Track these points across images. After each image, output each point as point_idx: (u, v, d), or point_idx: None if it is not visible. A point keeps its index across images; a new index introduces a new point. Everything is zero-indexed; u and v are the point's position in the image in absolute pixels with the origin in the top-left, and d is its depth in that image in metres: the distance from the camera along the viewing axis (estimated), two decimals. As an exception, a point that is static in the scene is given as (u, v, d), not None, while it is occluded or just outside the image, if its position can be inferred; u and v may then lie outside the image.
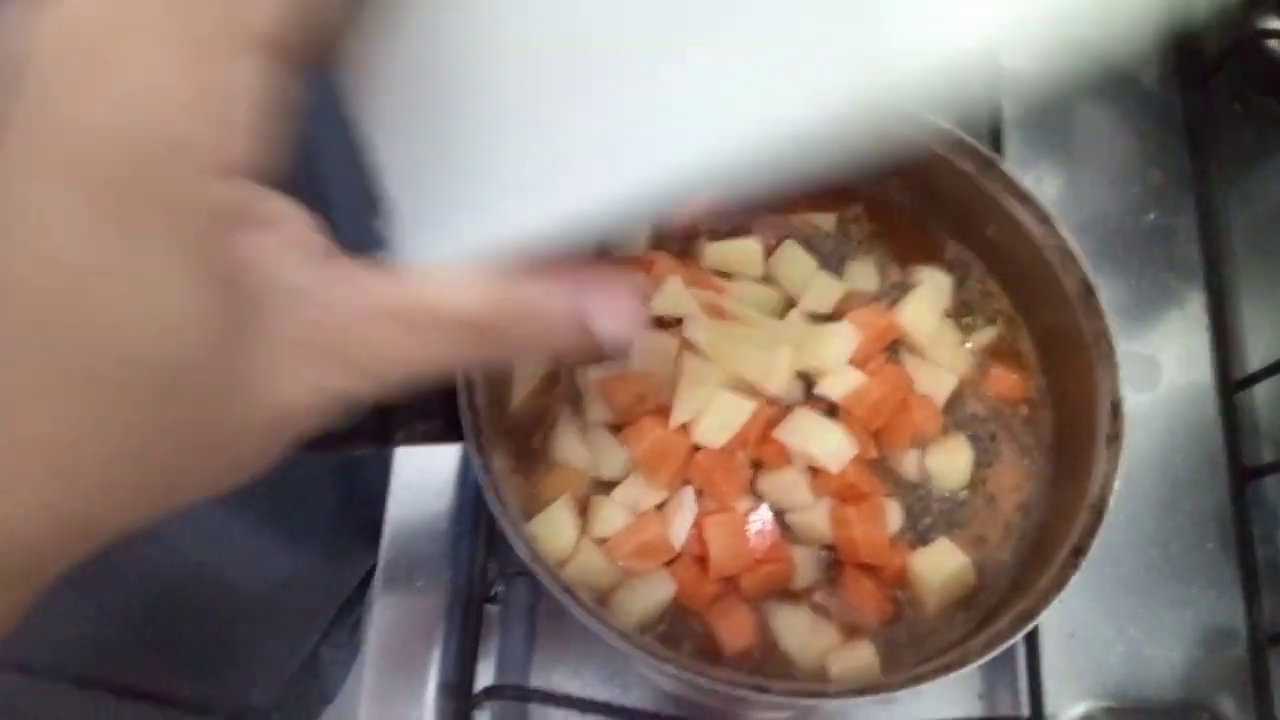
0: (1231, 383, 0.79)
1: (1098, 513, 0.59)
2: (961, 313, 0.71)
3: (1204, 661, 0.74)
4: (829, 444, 0.63)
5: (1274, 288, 0.83)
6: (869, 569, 0.63)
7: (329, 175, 0.74)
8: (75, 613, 0.82)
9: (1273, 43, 0.88)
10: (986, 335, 0.70)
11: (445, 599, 0.71)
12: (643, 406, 0.64)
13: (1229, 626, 0.74)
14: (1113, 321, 0.80)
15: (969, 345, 0.70)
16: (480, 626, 0.69)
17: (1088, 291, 0.63)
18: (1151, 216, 0.85)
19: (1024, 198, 0.65)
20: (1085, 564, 0.74)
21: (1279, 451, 0.79)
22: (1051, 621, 0.73)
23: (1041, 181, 0.86)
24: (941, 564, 0.63)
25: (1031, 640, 0.70)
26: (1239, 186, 0.87)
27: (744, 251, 0.70)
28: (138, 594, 0.96)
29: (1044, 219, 0.64)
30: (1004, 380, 0.69)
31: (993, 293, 0.72)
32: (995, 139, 0.82)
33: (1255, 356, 0.81)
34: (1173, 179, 0.86)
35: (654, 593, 0.61)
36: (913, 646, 0.63)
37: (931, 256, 0.72)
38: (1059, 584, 0.57)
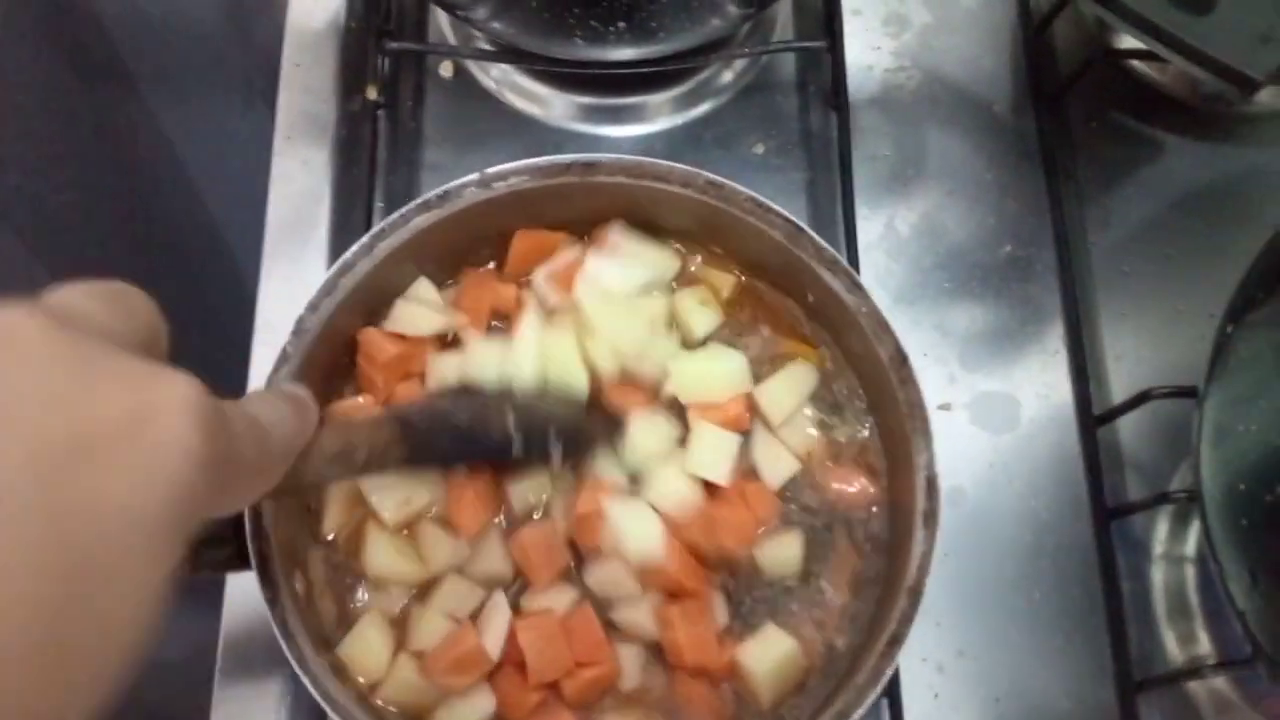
0: (1092, 418, 0.77)
1: (914, 596, 0.57)
2: (828, 410, 0.69)
3: (1074, 712, 0.72)
4: (646, 537, 0.61)
5: (1135, 313, 0.81)
6: (698, 670, 0.61)
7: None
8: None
9: (1131, 61, 0.86)
10: (843, 434, 0.68)
11: None
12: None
13: (1097, 674, 0.72)
14: (971, 361, 0.79)
15: (817, 434, 0.68)
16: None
17: (901, 360, 0.61)
18: (1008, 248, 0.83)
19: (832, 265, 0.62)
20: (948, 620, 0.73)
21: (1144, 485, 0.77)
22: (915, 683, 0.71)
23: (895, 220, 0.83)
24: (768, 651, 0.61)
25: (894, 705, 0.68)
26: (1097, 209, 0.84)
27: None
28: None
29: (854, 286, 0.62)
30: (847, 480, 0.67)
31: (856, 394, 0.69)
32: (845, 174, 0.80)
33: (1119, 387, 0.79)
34: (1028, 207, 0.84)
35: (473, 710, 0.59)
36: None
37: (792, 331, 0.70)
38: (875, 678, 0.55)
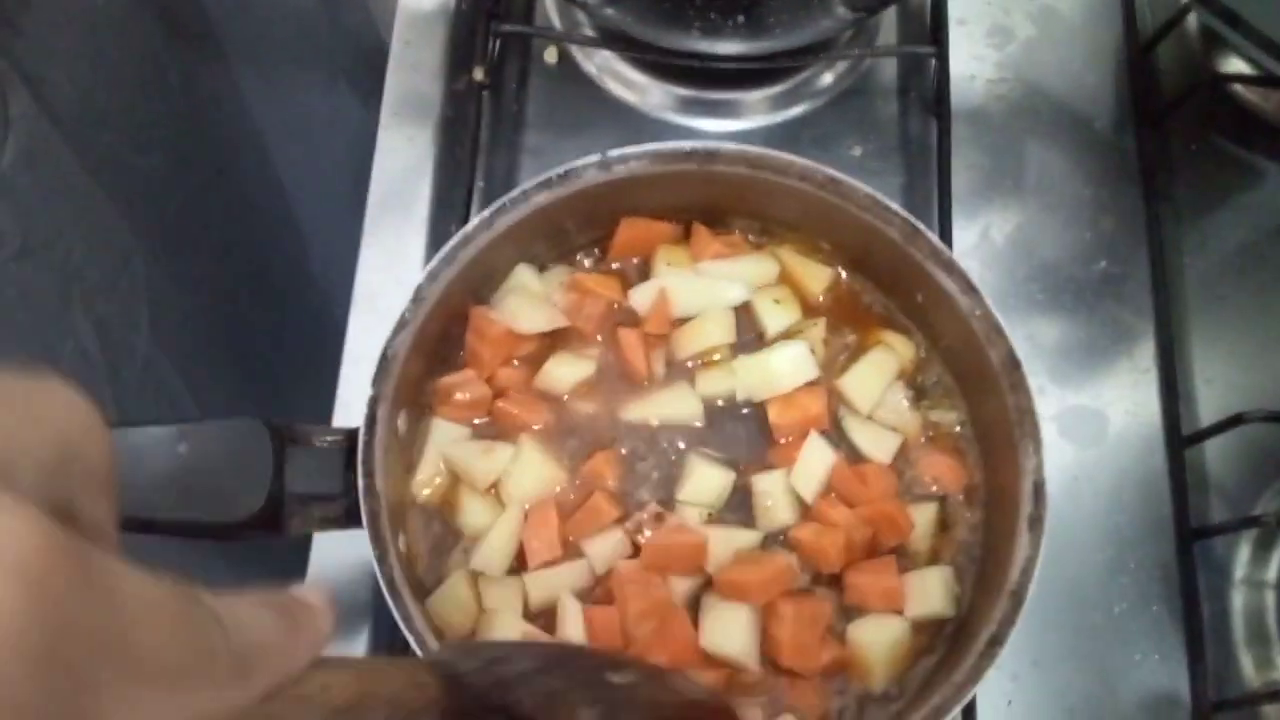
0: (1181, 438, 0.77)
1: (1017, 600, 0.57)
2: (916, 396, 0.69)
3: (1147, 729, 0.72)
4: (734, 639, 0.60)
5: (1228, 337, 0.81)
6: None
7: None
8: None
9: (1235, 86, 0.86)
10: (936, 415, 0.69)
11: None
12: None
13: (1172, 693, 0.73)
14: (1060, 374, 0.79)
15: (910, 410, 0.68)
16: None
17: (1013, 365, 0.62)
18: (1102, 264, 0.83)
19: (949, 266, 0.63)
20: (1025, 628, 0.72)
21: (1228, 508, 0.77)
22: (989, 688, 0.72)
23: (990, 229, 0.84)
24: (882, 633, 0.62)
25: (969, 709, 0.68)
26: (1194, 231, 0.84)
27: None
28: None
29: (968, 289, 0.63)
30: (943, 459, 0.67)
31: (946, 385, 0.69)
32: (943, 181, 0.81)
33: (1207, 410, 0.79)
34: (1125, 225, 0.84)
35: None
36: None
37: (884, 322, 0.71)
38: (974, 677, 0.56)
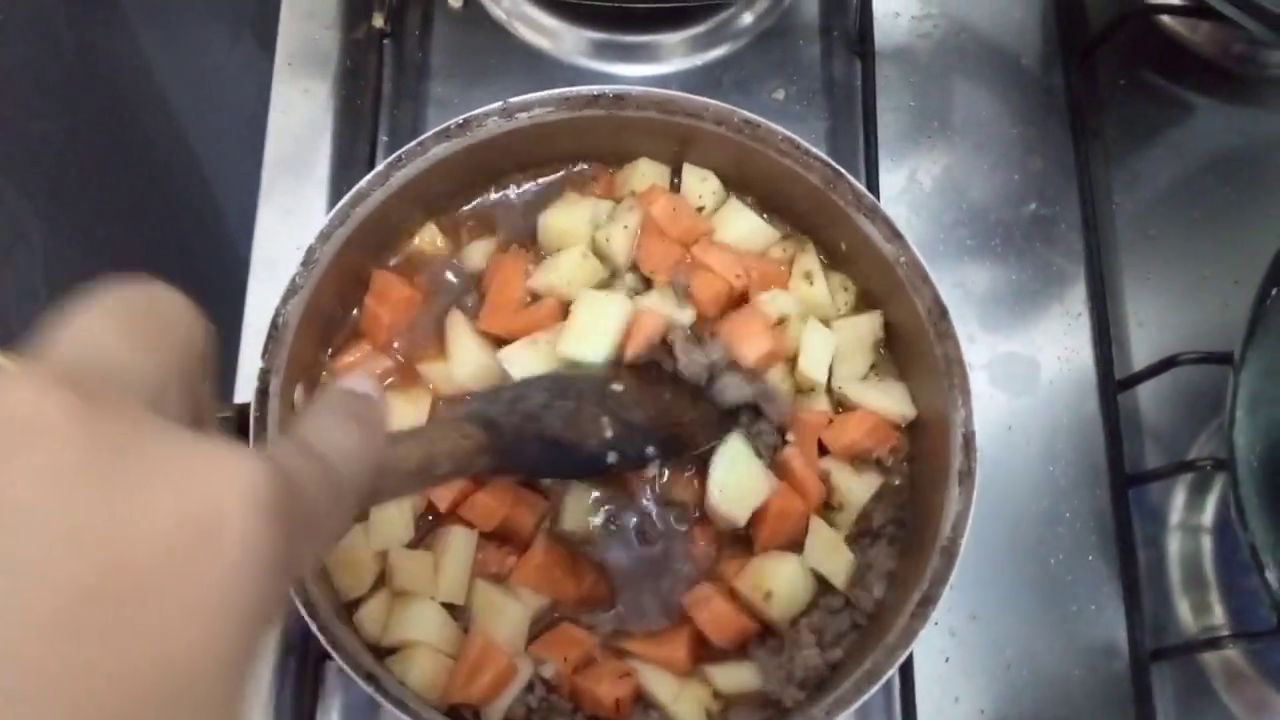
0: (1114, 383, 0.75)
1: (950, 556, 0.55)
2: None
3: (1085, 679, 0.71)
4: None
5: (1159, 278, 0.79)
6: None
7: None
8: None
9: (1163, 17, 0.84)
10: None
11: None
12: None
13: (1110, 642, 0.71)
14: (991, 321, 0.77)
15: None
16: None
17: (940, 313, 0.59)
18: (1032, 206, 0.81)
19: (872, 212, 0.60)
20: (961, 583, 0.70)
21: (1163, 453, 0.76)
22: (926, 645, 0.70)
23: (917, 172, 0.81)
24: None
25: (905, 667, 0.66)
26: (1124, 170, 0.82)
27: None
28: None
29: (893, 235, 0.60)
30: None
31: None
32: (869, 123, 0.77)
33: (1140, 353, 0.78)
34: (1054, 165, 0.81)
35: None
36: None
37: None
38: (906, 639, 0.53)
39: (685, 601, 0.59)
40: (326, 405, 0.38)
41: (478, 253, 0.67)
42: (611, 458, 0.55)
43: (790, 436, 0.62)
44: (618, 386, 0.58)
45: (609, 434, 0.54)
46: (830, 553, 0.60)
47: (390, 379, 0.63)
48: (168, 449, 0.27)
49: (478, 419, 0.50)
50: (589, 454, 0.54)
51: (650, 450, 0.56)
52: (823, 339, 0.62)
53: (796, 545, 0.60)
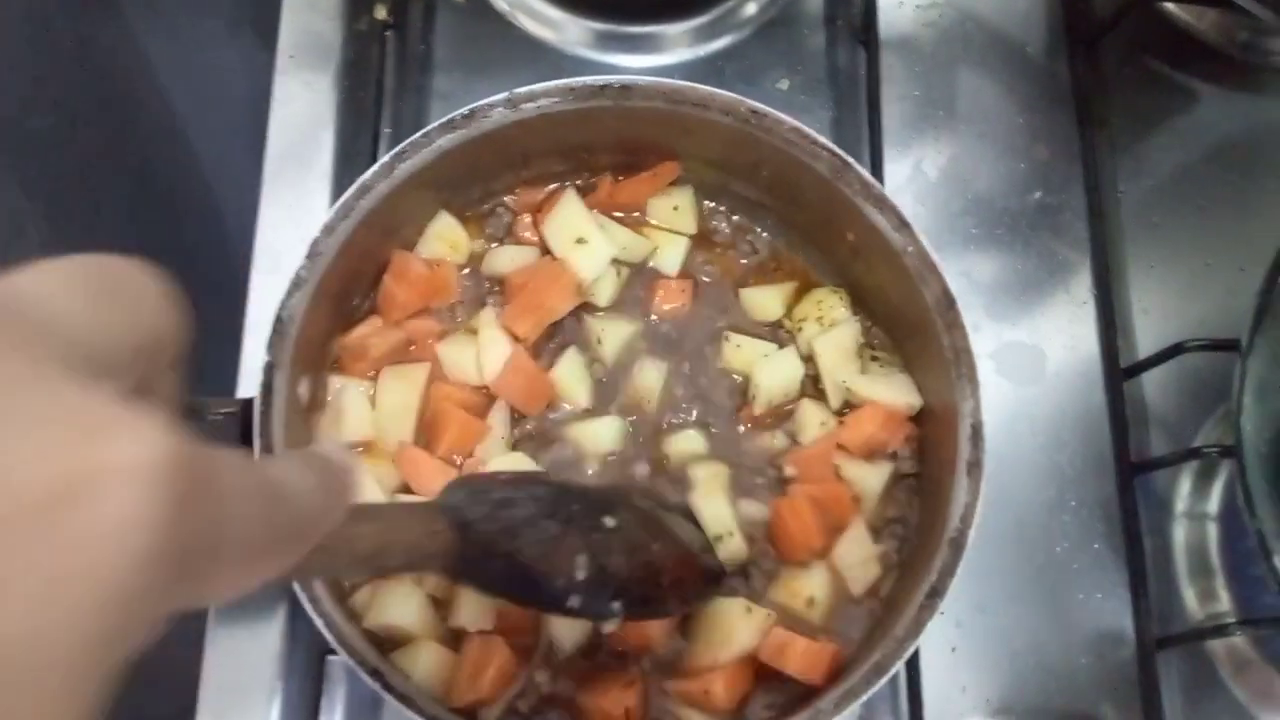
0: (1120, 370, 0.75)
1: (957, 548, 0.55)
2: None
3: (1091, 668, 0.71)
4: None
5: (1164, 266, 0.79)
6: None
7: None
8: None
9: (1168, 5, 0.84)
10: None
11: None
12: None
13: (1117, 631, 0.71)
14: (996, 310, 0.77)
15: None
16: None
17: (948, 303, 0.59)
18: (1037, 195, 0.80)
19: (880, 202, 0.60)
20: (967, 574, 0.70)
21: (1169, 440, 0.76)
22: (933, 636, 0.70)
23: (922, 162, 0.81)
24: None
25: (912, 658, 0.66)
26: (1129, 158, 0.82)
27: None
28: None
29: (901, 225, 0.60)
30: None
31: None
32: (873, 113, 0.77)
33: (1145, 341, 0.78)
34: (1059, 153, 0.81)
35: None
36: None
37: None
38: (914, 631, 0.53)
39: None
40: (295, 454, 0.35)
41: (497, 257, 0.68)
42: (574, 602, 0.50)
43: (790, 471, 0.63)
44: (611, 522, 0.54)
45: (580, 576, 0.50)
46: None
47: (396, 355, 0.64)
48: (65, 400, 0.23)
49: (453, 516, 0.47)
50: (553, 592, 0.50)
51: (615, 606, 0.52)
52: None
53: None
